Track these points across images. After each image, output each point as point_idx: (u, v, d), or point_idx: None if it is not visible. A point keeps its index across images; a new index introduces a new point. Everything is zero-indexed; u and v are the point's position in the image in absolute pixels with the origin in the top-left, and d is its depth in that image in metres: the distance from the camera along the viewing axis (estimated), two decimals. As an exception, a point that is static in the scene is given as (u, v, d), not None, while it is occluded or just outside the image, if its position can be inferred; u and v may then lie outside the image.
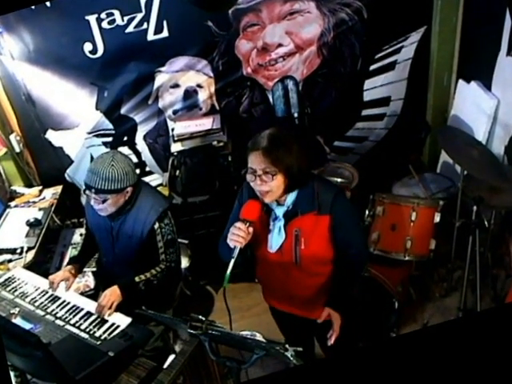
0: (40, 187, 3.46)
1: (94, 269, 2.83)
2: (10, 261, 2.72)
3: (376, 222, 2.94)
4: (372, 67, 3.59)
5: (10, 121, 3.40)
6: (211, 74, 3.45)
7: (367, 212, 2.99)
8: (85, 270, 2.68)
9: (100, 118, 3.51)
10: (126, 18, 3.14)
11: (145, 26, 3.18)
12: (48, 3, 3.00)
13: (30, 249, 2.78)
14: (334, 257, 1.91)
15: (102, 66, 3.27)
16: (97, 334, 1.98)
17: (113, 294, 2.13)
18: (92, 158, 3.52)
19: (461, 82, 3.47)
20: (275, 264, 1.91)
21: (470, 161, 2.75)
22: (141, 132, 3.62)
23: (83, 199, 2.81)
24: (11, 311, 2.13)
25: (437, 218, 2.83)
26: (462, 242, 2.91)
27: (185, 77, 3.44)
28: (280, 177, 1.68)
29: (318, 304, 1.89)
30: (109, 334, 1.97)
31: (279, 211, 1.82)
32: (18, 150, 3.41)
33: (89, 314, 2.11)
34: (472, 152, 2.78)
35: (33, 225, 2.93)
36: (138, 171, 3.51)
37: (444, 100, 3.72)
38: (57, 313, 2.12)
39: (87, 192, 2.14)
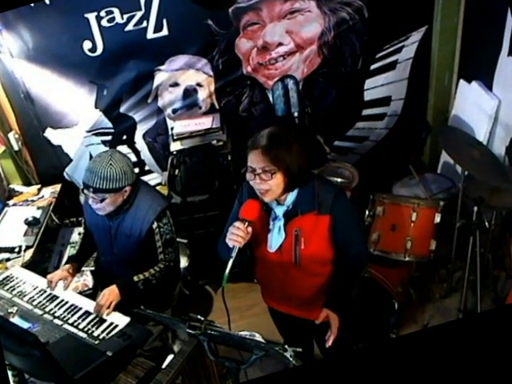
0: (38, 186, 3.44)
1: (93, 268, 2.81)
2: (8, 260, 2.71)
3: (376, 223, 2.93)
4: (373, 67, 3.58)
5: (9, 119, 3.38)
6: (211, 73, 3.44)
7: (367, 212, 2.99)
8: (83, 269, 2.67)
9: (99, 117, 3.49)
10: (125, 16, 3.13)
11: (144, 24, 3.17)
12: (47, 1, 2.98)
13: (28, 248, 2.77)
14: (333, 257, 1.90)
15: (101, 64, 3.25)
16: (95, 334, 1.97)
17: (111, 293, 2.12)
18: (91, 156, 3.51)
19: (462, 81, 3.46)
20: (275, 264, 1.91)
21: (470, 161, 2.75)
22: (140, 131, 3.61)
23: (82, 198, 2.80)
24: (9, 310, 2.12)
25: (437, 219, 2.82)
26: (462, 243, 2.90)
27: (184, 75, 3.43)
28: (279, 175, 1.68)
29: (316, 305, 1.87)
30: (107, 334, 1.97)
31: (279, 211, 1.82)
32: (16, 148, 3.40)
33: (87, 313, 2.10)
34: (473, 152, 2.78)
35: (31, 223, 2.93)
36: (137, 170, 3.52)
37: (445, 100, 3.71)
38: (55, 312, 2.12)
39: (85, 191, 2.13)
